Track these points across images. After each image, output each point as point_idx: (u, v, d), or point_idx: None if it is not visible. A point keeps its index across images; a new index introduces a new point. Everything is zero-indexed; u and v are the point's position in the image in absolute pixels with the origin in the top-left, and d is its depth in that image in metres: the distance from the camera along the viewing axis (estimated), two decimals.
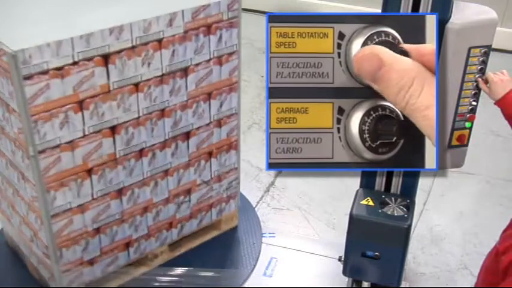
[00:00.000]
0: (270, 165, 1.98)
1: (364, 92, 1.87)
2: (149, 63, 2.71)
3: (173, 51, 2.78)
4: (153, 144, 2.91)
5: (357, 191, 2.82)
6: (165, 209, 3.13)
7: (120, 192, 2.90)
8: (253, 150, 4.33)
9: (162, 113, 2.88)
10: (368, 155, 1.97)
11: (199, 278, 3.30)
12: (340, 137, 1.97)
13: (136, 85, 2.72)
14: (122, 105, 2.70)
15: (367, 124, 1.94)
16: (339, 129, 1.97)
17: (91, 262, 2.98)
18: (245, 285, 3.37)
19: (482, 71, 2.55)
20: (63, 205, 2.75)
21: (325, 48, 1.93)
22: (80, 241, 2.88)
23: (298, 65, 1.93)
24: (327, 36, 1.94)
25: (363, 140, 1.95)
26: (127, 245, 3.07)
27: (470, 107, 2.63)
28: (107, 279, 3.12)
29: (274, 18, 1.90)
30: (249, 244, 3.59)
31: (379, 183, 2.86)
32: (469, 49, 2.50)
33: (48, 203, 2.68)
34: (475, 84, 2.57)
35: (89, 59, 2.53)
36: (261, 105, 4.93)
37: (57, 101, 2.52)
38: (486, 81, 2.55)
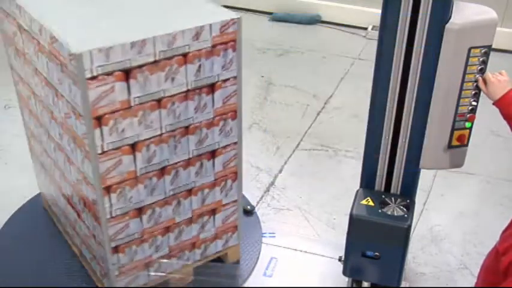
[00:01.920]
0: None
1: None
2: (173, 79, 2.57)
3: (199, 66, 2.63)
4: (176, 162, 2.78)
5: (357, 191, 2.83)
6: (188, 229, 3.02)
7: (140, 211, 2.77)
8: (253, 150, 4.30)
9: (187, 130, 2.74)
10: None
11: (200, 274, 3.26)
12: None
13: (158, 101, 2.57)
14: (144, 121, 2.57)
15: None
16: None
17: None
18: (245, 285, 3.35)
19: (482, 71, 2.56)
20: None
21: None
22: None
23: None
24: None
25: None
26: (146, 265, 2.96)
27: (470, 107, 2.65)
28: None
29: None
30: (249, 244, 3.58)
31: (379, 183, 2.86)
32: (469, 49, 2.51)
33: None
34: (475, 84, 2.58)
35: (108, 74, 2.41)
36: (260, 106, 4.91)
37: None
38: (485, 82, 2.58)
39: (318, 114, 4.87)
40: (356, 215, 2.72)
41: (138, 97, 2.52)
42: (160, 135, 2.66)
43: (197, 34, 2.56)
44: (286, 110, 4.92)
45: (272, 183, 4.11)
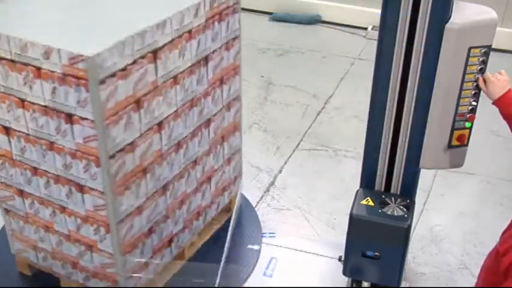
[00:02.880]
0: None
1: None
2: (183, 55, 2.86)
3: (199, 40, 2.94)
4: (186, 136, 3.06)
5: (357, 191, 2.92)
6: (195, 199, 3.29)
7: (165, 188, 3.03)
8: (253, 150, 4.45)
9: (191, 103, 3.03)
10: None
11: (199, 275, 3.36)
12: None
13: (175, 78, 2.85)
14: (166, 99, 2.83)
15: None
16: None
17: (146, 264, 3.14)
18: (245, 285, 3.46)
19: (482, 71, 2.63)
20: (127, 209, 2.86)
21: None
22: (138, 244, 3.02)
23: None
24: None
25: None
26: (169, 242, 3.22)
27: (470, 107, 2.70)
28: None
29: None
30: (250, 244, 3.69)
31: (379, 183, 2.96)
32: (469, 49, 2.56)
33: (115, 208, 2.77)
34: (475, 84, 2.64)
35: (143, 57, 2.65)
36: (260, 106, 5.04)
37: (122, 103, 2.64)
38: (485, 81, 2.63)
39: (318, 114, 5.04)
40: (356, 215, 2.81)
41: (162, 76, 2.77)
42: (176, 110, 2.93)
43: (197, 10, 2.87)
44: (286, 110, 5.07)
45: (272, 183, 4.25)
